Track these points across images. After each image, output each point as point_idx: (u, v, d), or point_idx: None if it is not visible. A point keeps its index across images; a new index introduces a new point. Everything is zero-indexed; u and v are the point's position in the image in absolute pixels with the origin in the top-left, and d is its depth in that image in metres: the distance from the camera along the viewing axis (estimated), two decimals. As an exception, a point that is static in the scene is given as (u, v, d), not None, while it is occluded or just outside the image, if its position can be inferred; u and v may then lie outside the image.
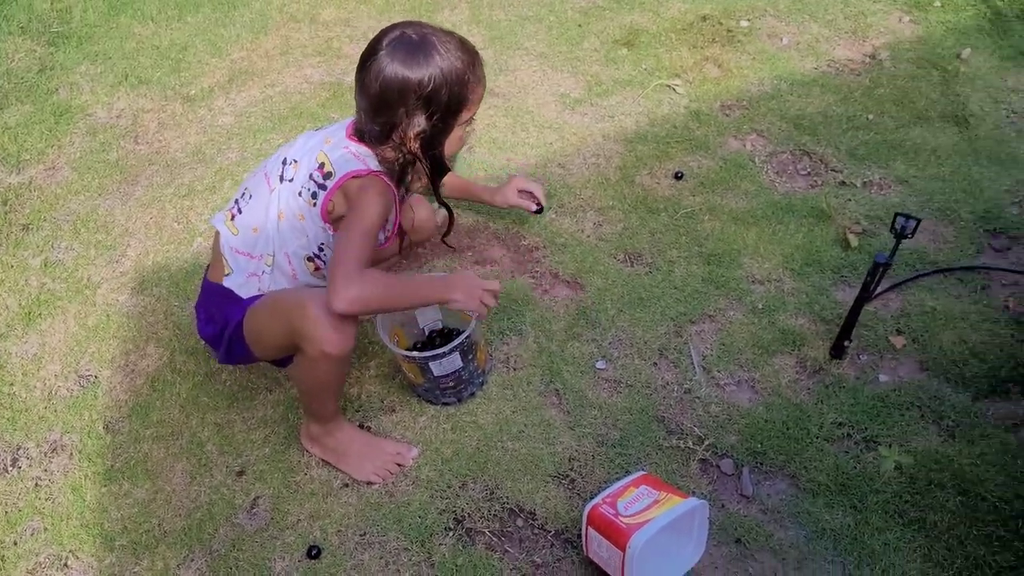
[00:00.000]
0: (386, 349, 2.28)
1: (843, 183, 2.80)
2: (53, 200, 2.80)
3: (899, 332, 2.35)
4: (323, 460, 2.11)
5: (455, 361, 2.07)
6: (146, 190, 2.84)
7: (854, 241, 2.57)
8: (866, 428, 2.13)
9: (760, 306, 2.43)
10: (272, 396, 2.26)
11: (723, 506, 2.02)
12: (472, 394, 2.23)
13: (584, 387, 2.25)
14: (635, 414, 2.19)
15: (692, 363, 2.30)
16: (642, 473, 1.96)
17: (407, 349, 2.24)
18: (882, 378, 2.25)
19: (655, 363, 2.31)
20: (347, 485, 2.08)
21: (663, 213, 2.71)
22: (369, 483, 2.07)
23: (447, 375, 2.10)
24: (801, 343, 2.33)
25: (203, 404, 2.25)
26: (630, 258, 2.59)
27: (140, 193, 2.83)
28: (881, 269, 2.07)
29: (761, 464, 2.09)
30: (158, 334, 2.42)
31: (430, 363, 2.06)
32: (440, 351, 2.03)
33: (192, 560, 1.96)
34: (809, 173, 2.85)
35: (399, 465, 2.09)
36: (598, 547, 1.84)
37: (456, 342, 2.03)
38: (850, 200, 2.73)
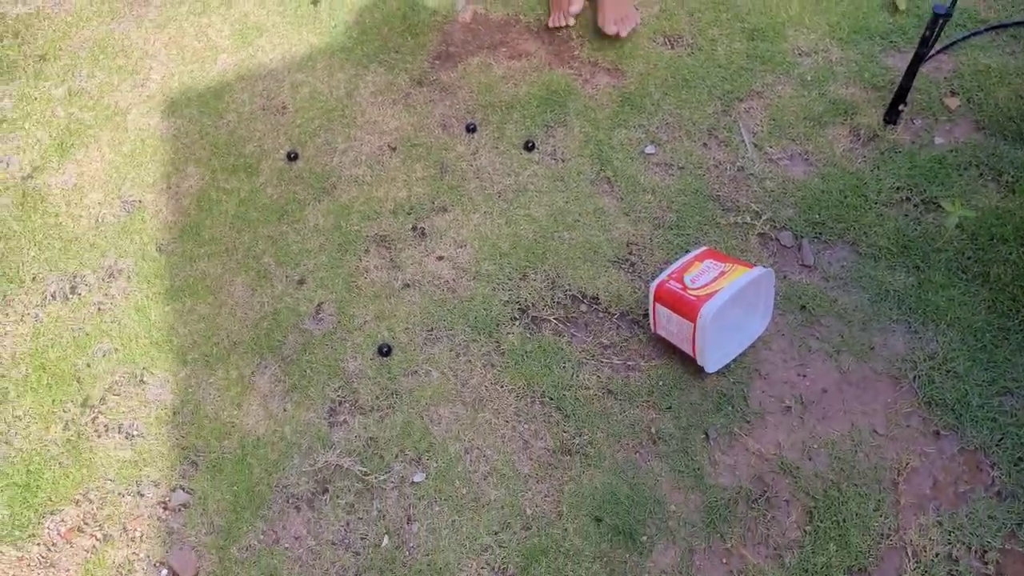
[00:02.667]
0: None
1: (887, -55, 2.66)
2: (65, 28, 2.69)
3: (953, 93, 2.29)
4: None
5: None
6: (160, 10, 2.73)
7: (902, 4, 2.46)
8: (925, 190, 2.11)
9: (809, 78, 2.36)
10: (321, 206, 2.24)
11: (785, 277, 2.02)
12: None
13: (635, 172, 2.22)
14: (689, 195, 2.17)
15: (743, 140, 2.25)
16: (705, 248, 1.95)
17: None
18: (938, 140, 2.20)
19: (705, 143, 2.27)
20: (408, 285, 2.08)
21: (700, -9, 2.59)
22: None
23: None
24: (853, 112, 2.27)
25: (253, 219, 2.23)
26: (670, 40, 2.50)
27: (154, 14, 2.72)
28: (941, 21, 1.98)
29: (820, 234, 2.08)
30: (196, 155, 2.37)
31: None
32: None
33: (265, 367, 1.99)
34: (850, -63, 2.70)
35: None
36: (667, 322, 1.86)
37: None
38: (895, -38, 2.60)
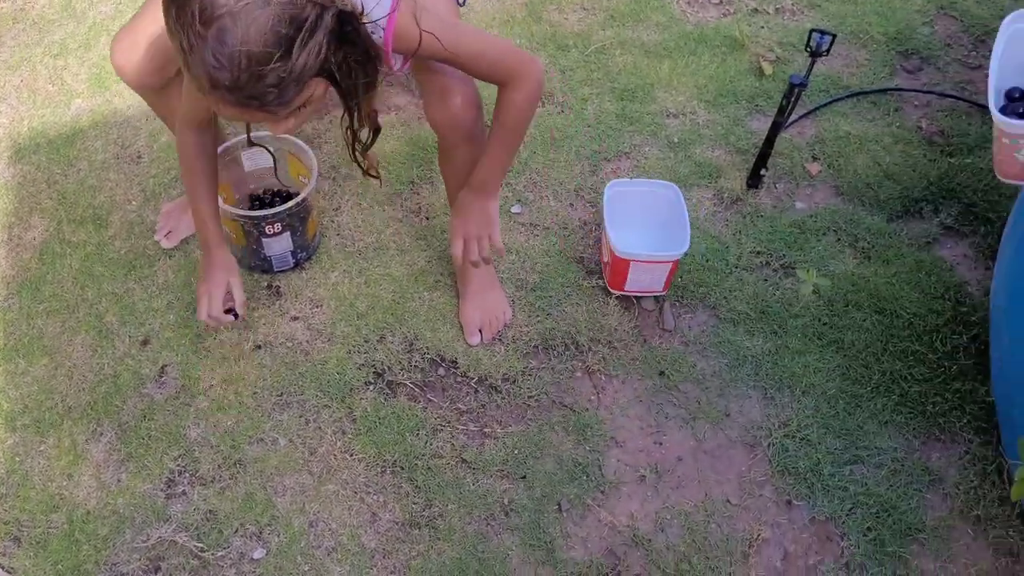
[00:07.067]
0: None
1: (755, 11, 2.71)
2: (-92, 66, 2.54)
3: (814, 158, 2.33)
4: None
5: (285, 240, 2.03)
6: (13, 51, 2.60)
7: (768, 69, 2.51)
8: (784, 255, 2.13)
9: (676, 140, 2.37)
10: (172, 261, 2.13)
11: (645, 341, 2.00)
12: (291, 266, 2.11)
13: (501, 232, 2.18)
14: (553, 256, 2.14)
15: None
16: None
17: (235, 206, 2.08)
18: (799, 205, 2.23)
19: (571, 204, 2.25)
20: (259, 347, 1.99)
21: (573, 50, 2.59)
22: None
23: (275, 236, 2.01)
24: (718, 175, 2.29)
25: (98, 274, 2.12)
26: (541, 98, 2.48)
27: (6, 55, 2.59)
28: (796, 90, 2.01)
29: (682, 298, 2.07)
30: (41, 204, 2.24)
31: (261, 239, 1.99)
32: (268, 212, 1.95)
33: (101, 434, 1.87)
34: (721, 2, 2.75)
35: None
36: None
37: (286, 205, 1.95)
38: (763, 28, 2.66)
